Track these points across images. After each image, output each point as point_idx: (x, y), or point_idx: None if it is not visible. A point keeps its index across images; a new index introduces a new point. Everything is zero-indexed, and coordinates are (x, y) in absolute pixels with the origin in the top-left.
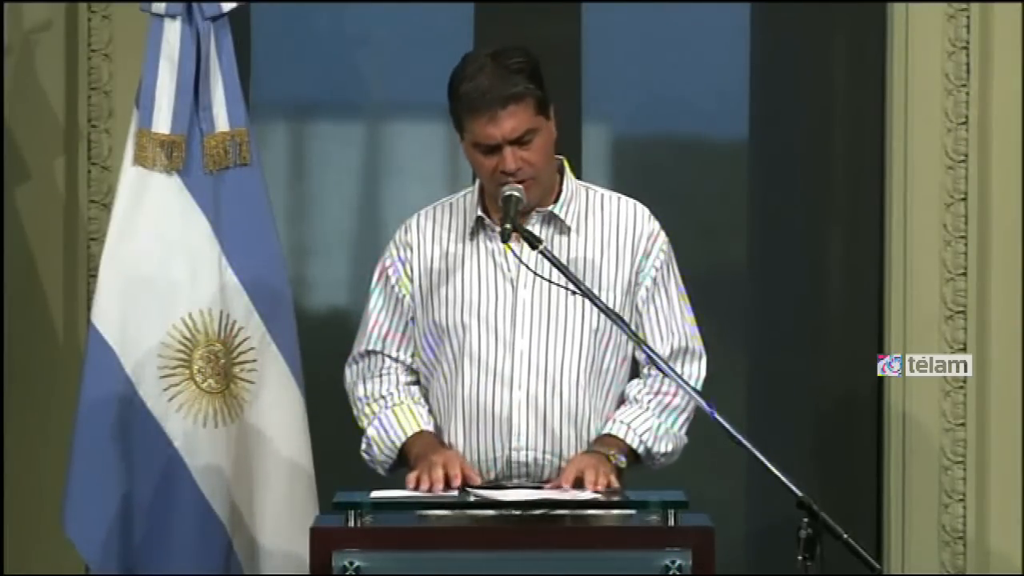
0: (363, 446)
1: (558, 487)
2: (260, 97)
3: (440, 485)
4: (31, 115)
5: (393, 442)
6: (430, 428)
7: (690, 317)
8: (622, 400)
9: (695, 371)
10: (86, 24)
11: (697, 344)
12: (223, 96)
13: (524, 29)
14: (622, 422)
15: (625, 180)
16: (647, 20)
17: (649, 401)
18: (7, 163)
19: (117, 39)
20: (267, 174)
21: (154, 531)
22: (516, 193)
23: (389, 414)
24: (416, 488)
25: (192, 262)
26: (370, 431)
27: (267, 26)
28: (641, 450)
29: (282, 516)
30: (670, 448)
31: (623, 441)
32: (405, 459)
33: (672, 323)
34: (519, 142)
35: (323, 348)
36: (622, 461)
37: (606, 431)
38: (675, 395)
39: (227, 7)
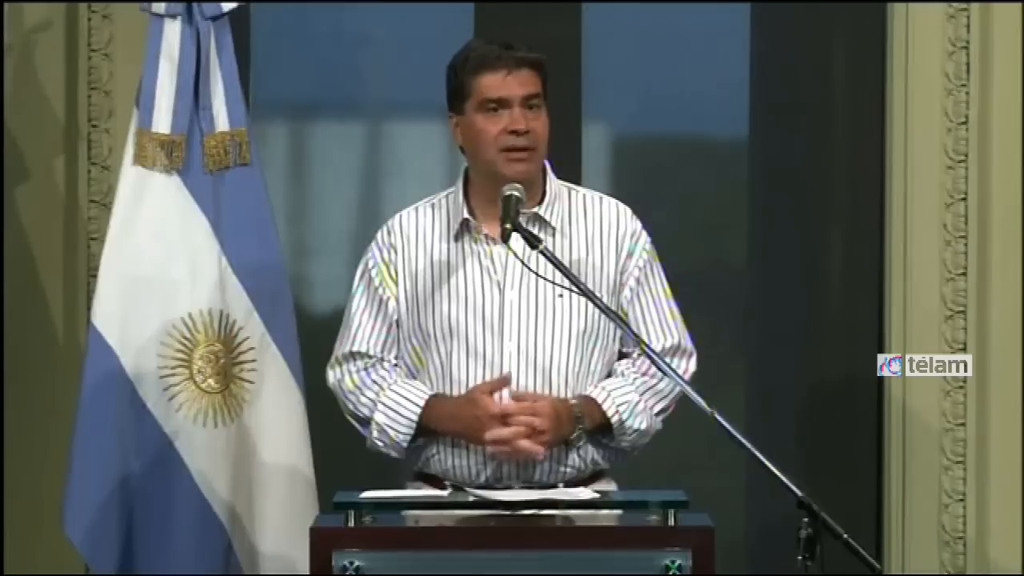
0: (374, 435)
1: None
2: (260, 97)
3: (515, 435)
4: (31, 115)
5: (408, 418)
6: (431, 392)
7: (678, 315)
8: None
9: (685, 367)
10: (86, 24)
11: (688, 342)
12: (223, 96)
13: (524, 29)
14: (604, 388)
15: (625, 180)
16: (647, 20)
17: (635, 379)
18: (7, 163)
19: (117, 39)
20: (267, 174)
21: (154, 531)
22: (516, 192)
23: (391, 394)
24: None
25: (192, 262)
26: (377, 416)
27: (267, 26)
28: (615, 420)
29: (282, 516)
30: (644, 426)
31: (599, 407)
32: (422, 432)
33: (662, 321)
34: (528, 106)
35: (323, 348)
36: (582, 435)
37: (587, 393)
38: (660, 379)
39: (227, 7)
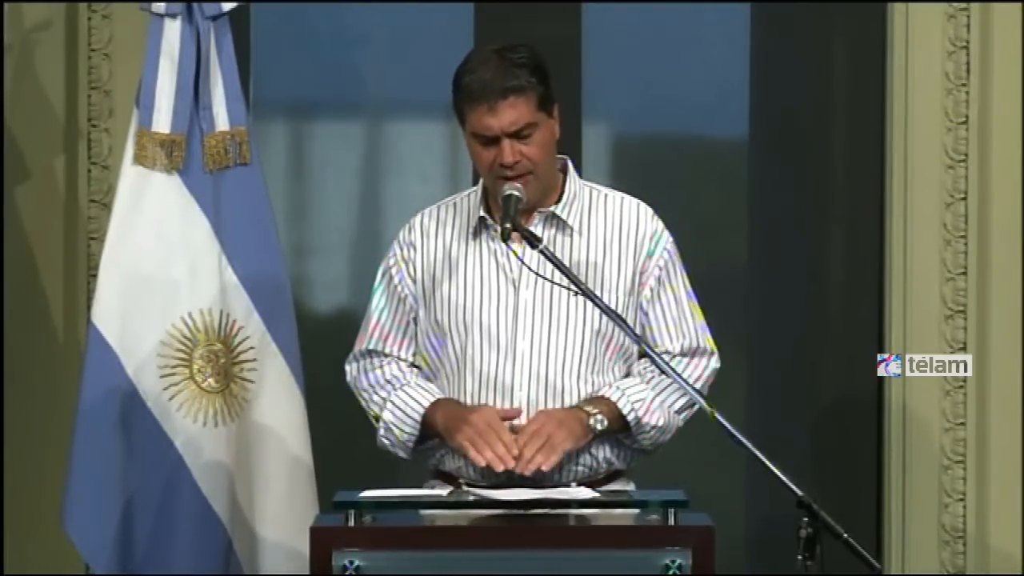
0: (380, 432)
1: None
2: (260, 97)
3: (501, 465)
4: (31, 115)
5: (413, 418)
6: (443, 396)
7: (699, 316)
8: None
9: (703, 366)
10: (86, 23)
11: (707, 343)
12: (223, 95)
13: (524, 29)
14: (618, 387)
15: (625, 179)
16: (647, 20)
17: (651, 378)
18: (7, 163)
19: (117, 38)
20: (267, 174)
21: (154, 531)
22: (516, 192)
23: (401, 394)
24: (477, 460)
25: (192, 261)
26: (385, 415)
27: (267, 26)
28: (631, 417)
29: (282, 516)
30: (661, 422)
31: (614, 404)
32: (427, 434)
33: (681, 323)
34: (518, 136)
35: (323, 348)
36: (602, 423)
37: (600, 393)
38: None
39: (227, 6)
